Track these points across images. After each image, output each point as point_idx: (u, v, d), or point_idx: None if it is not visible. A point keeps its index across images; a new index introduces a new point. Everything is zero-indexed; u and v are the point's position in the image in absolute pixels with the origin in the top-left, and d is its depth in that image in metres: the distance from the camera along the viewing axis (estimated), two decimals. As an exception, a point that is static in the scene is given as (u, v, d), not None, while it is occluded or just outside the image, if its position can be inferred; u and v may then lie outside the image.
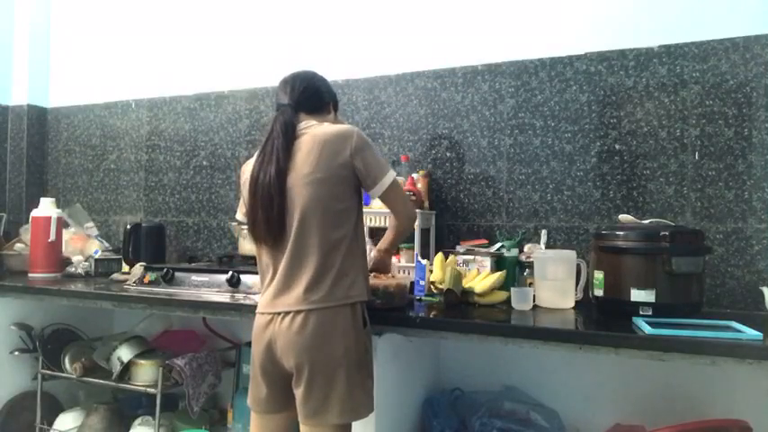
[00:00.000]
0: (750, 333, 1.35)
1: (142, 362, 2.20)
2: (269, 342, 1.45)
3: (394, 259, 1.85)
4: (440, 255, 1.97)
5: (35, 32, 3.20)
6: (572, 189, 2.10)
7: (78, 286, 2.23)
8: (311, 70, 1.67)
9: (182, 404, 2.37)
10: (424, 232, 2.17)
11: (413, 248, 2.09)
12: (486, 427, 1.82)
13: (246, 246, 2.33)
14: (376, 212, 2.10)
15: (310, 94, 1.59)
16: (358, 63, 2.48)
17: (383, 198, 1.54)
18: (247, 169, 1.57)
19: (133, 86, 3.01)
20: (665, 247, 1.58)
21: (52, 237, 2.49)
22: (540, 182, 2.15)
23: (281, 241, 1.46)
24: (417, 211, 2.00)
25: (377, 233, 2.13)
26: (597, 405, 1.95)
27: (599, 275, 1.69)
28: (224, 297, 1.93)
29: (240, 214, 1.65)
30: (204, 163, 2.81)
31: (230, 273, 2.01)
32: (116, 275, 2.42)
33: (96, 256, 2.56)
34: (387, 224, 2.08)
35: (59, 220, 2.54)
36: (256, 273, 1.63)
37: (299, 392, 1.43)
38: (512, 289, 1.81)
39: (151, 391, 2.11)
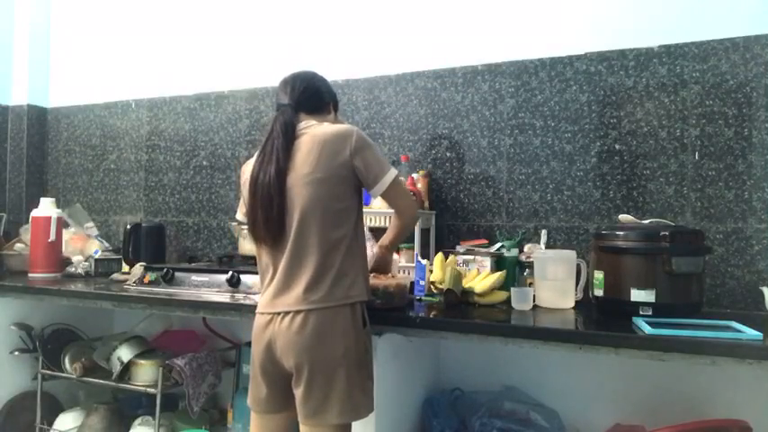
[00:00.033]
0: (750, 333, 1.35)
1: (142, 362, 2.20)
2: (269, 342, 1.45)
3: (394, 257, 1.84)
4: (440, 255, 1.97)
5: (35, 32, 3.20)
6: (572, 189, 2.10)
7: (78, 286, 2.23)
8: (311, 70, 1.67)
9: (182, 404, 2.37)
10: (424, 232, 2.17)
11: (413, 248, 2.09)
12: (486, 427, 1.82)
13: (246, 246, 2.33)
14: (376, 212, 2.10)
15: (310, 95, 1.59)
16: (358, 63, 2.48)
17: (385, 196, 1.55)
18: (247, 169, 1.57)
19: (133, 86, 3.02)
20: (665, 247, 1.58)
21: (52, 237, 2.49)
22: (540, 182, 2.15)
23: (281, 241, 1.46)
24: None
25: (377, 233, 2.14)
26: (597, 405, 1.95)
27: (599, 275, 1.69)
28: (224, 297, 1.93)
29: (240, 214, 1.65)
30: (204, 163, 2.81)
31: (230, 273, 2.01)
32: (116, 275, 2.42)
33: (96, 256, 2.56)
34: (387, 224, 2.08)
35: (59, 220, 2.54)
36: (256, 273, 1.63)
37: (298, 392, 1.43)
38: (512, 289, 1.81)
39: (151, 391, 2.11)
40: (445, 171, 2.30)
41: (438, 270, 1.89)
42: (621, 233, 1.67)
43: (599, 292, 1.69)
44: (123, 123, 3.04)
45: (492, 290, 1.82)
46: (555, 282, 1.80)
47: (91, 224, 2.88)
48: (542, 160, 2.15)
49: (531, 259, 1.89)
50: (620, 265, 1.64)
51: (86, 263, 2.55)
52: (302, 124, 1.52)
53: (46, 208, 2.55)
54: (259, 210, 1.46)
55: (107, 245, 2.78)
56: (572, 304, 1.80)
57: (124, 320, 2.67)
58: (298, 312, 1.41)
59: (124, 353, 2.21)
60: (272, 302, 1.46)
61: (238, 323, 2.28)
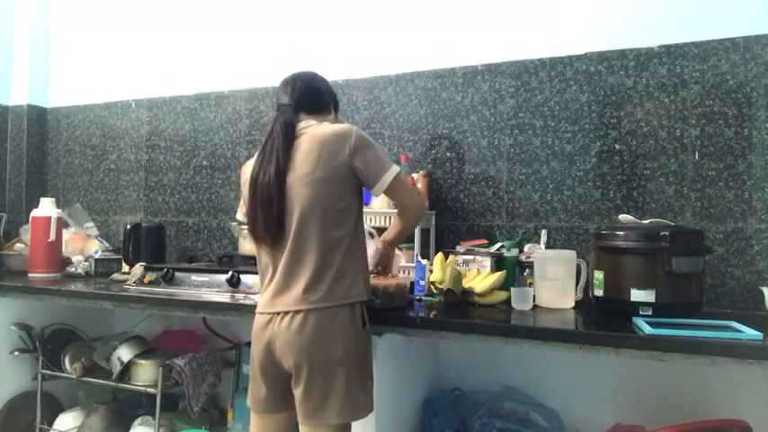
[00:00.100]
0: (750, 333, 1.35)
1: (142, 362, 2.20)
2: (268, 342, 1.45)
3: (396, 253, 1.83)
4: (440, 255, 1.96)
5: (35, 32, 3.20)
6: (572, 189, 2.10)
7: (78, 286, 2.23)
8: (312, 71, 1.67)
9: (182, 404, 2.37)
10: (424, 232, 2.17)
11: (413, 248, 2.09)
12: (486, 427, 1.82)
13: (246, 246, 2.33)
14: (376, 212, 2.11)
15: (311, 95, 1.59)
16: (358, 63, 2.48)
17: (388, 194, 1.54)
18: (247, 169, 1.57)
19: (133, 86, 3.02)
20: (665, 247, 1.58)
21: (52, 237, 2.49)
22: (540, 182, 2.15)
23: (281, 241, 1.46)
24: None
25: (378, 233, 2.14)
26: (597, 405, 1.95)
27: (599, 275, 1.69)
28: (224, 297, 1.93)
29: (240, 214, 1.65)
30: (204, 163, 2.81)
31: (230, 273, 2.01)
32: (116, 275, 2.42)
33: (96, 256, 2.56)
34: (386, 223, 2.08)
35: (59, 220, 2.54)
36: (256, 273, 1.63)
37: (298, 392, 1.43)
38: (512, 289, 1.81)
39: (151, 391, 2.12)
40: (445, 171, 2.30)
41: (438, 270, 1.89)
42: (621, 233, 1.67)
43: (599, 292, 1.69)
44: (123, 123, 3.04)
45: (492, 290, 1.82)
46: (555, 282, 1.80)
47: (91, 224, 2.88)
48: (542, 160, 2.15)
49: (531, 259, 1.89)
50: (620, 265, 1.64)
51: (86, 263, 2.55)
52: (302, 124, 1.52)
53: (46, 208, 2.55)
54: (259, 210, 1.46)
55: (107, 245, 2.78)
56: (572, 304, 1.80)
57: (124, 320, 2.67)
58: (297, 312, 1.41)
59: (124, 353, 2.21)
60: (272, 302, 1.46)
61: (238, 323, 2.28)
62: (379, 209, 2.11)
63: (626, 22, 2.05)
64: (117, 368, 2.20)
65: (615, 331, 1.45)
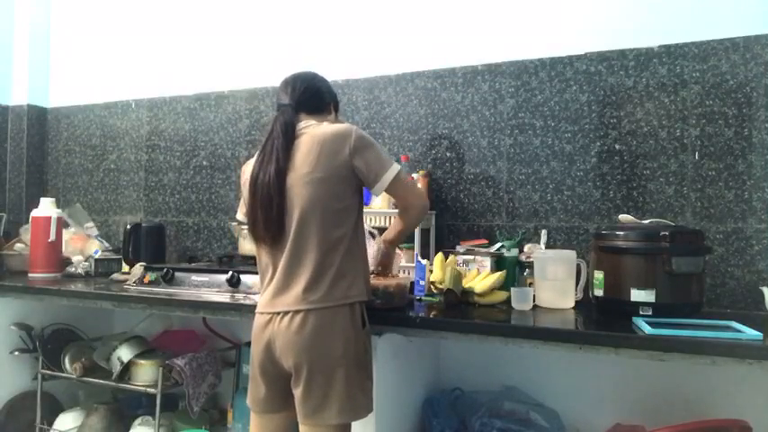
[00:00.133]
0: (750, 333, 1.35)
1: (142, 362, 2.20)
2: (268, 342, 1.45)
3: (396, 252, 1.83)
4: (440, 255, 1.96)
5: (35, 32, 3.20)
6: (572, 189, 2.10)
7: (78, 286, 2.23)
8: (312, 71, 1.67)
9: (182, 404, 2.37)
10: (424, 232, 2.17)
11: (413, 248, 2.09)
12: (486, 427, 1.82)
13: (246, 246, 2.33)
14: (376, 212, 2.11)
15: (311, 95, 1.59)
16: (358, 63, 2.48)
17: (389, 193, 1.54)
18: (248, 169, 1.57)
19: (133, 86, 3.02)
20: (665, 247, 1.57)
21: (52, 237, 2.49)
22: (540, 182, 2.15)
23: (281, 241, 1.46)
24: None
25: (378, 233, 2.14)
26: (597, 405, 1.95)
27: (599, 275, 1.69)
28: (224, 297, 1.93)
29: (240, 214, 1.65)
30: (204, 163, 2.81)
31: (230, 273, 2.01)
32: (116, 275, 2.42)
33: (96, 256, 2.56)
34: (386, 223, 2.08)
35: (59, 220, 2.54)
36: (256, 273, 1.63)
37: (297, 392, 1.43)
38: (512, 289, 1.81)
39: (151, 391, 2.12)
40: (445, 171, 2.30)
41: (438, 270, 1.88)
42: (621, 233, 1.67)
43: (599, 292, 1.69)
44: (123, 123, 3.04)
45: (492, 290, 1.82)
46: (555, 282, 1.80)
47: (91, 224, 2.88)
48: (542, 160, 2.15)
49: (531, 259, 1.89)
50: (620, 265, 1.64)
51: (86, 263, 2.55)
52: (302, 124, 1.52)
53: (46, 208, 2.55)
54: (259, 209, 1.46)
55: (107, 245, 2.78)
56: (572, 304, 1.80)
57: (124, 320, 2.67)
58: (297, 312, 1.41)
59: (124, 353, 2.21)
60: (272, 302, 1.46)
61: (238, 323, 2.28)
62: (379, 209, 2.11)
63: (626, 22, 2.05)
64: (117, 368, 2.20)
65: (615, 331, 1.45)
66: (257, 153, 1.52)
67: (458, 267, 1.92)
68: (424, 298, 1.88)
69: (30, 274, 2.47)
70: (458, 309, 1.77)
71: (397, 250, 1.84)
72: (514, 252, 1.98)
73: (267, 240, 1.48)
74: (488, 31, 2.26)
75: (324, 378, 1.41)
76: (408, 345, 1.82)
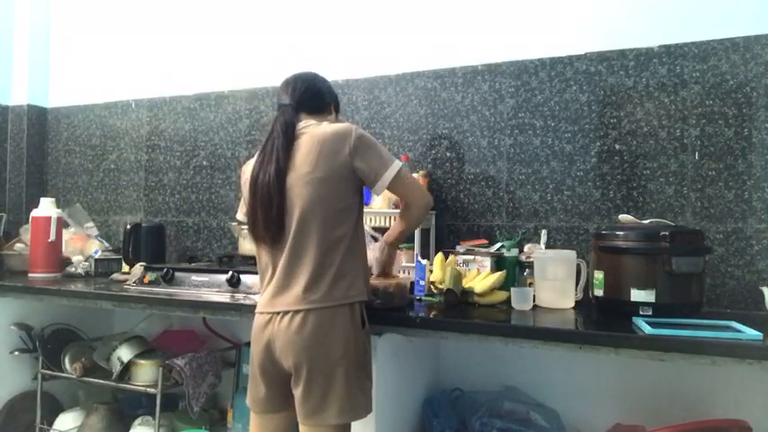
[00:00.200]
0: (750, 333, 1.35)
1: (142, 362, 2.20)
2: (268, 342, 1.45)
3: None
4: (440, 255, 1.97)
5: (35, 32, 3.20)
6: (572, 189, 2.10)
7: (78, 286, 2.23)
8: (313, 71, 1.67)
9: (182, 404, 2.37)
10: (424, 232, 2.17)
11: (413, 248, 2.09)
12: (486, 427, 1.82)
13: (246, 246, 2.33)
14: (376, 212, 2.10)
15: (311, 95, 1.59)
16: (358, 63, 2.48)
17: (392, 190, 1.54)
18: (248, 169, 1.57)
19: (133, 86, 3.02)
20: (665, 247, 1.57)
21: (52, 237, 2.49)
22: (540, 182, 2.15)
23: (281, 241, 1.46)
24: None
25: (377, 233, 2.14)
26: (597, 405, 1.95)
27: (599, 275, 1.69)
28: (224, 297, 1.93)
29: (241, 214, 1.65)
30: (204, 163, 2.81)
31: (230, 273, 2.01)
32: (116, 275, 2.42)
33: (96, 256, 2.56)
34: (385, 223, 2.08)
35: (59, 220, 2.54)
36: (256, 273, 1.63)
37: (297, 392, 1.43)
38: (512, 289, 1.81)
39: (151, 391, 2.11)
40: (445, 171, 2.30)
41: (438, 270, 1.89)
42: (621, 233, 1.67)
43: (599, 292, 1.69)
44: (123, 123, 3.04)
45: (492, 290, 1.82)
46: (555, 282, 1.80)
47: (91, 224, 2.88)
48: (542, 160, 2.15)
49: (531, 259, 1.89)
50: (620, 265, 1.64)
51: (86, 263, 2.55)
52: (302, 124, 1.52)
53: (46, 208, 2.55)
54: (259, 209, 1.46)
55: (107, 245, 2.78)
56: (572, 304, 1.80)
57: (124, 320, 2.67)
58: (297, 312, 1.41)
59: (124, 353, 2.21)
60: (272, 302, 1.46)
61: (238, 323, 2.28)
62: (378, 209, 2.11)
63: (626, 22, 2.05)
64: (117, 368, 2.19)
65: (615, 331, 1.45)
66: (257, 153, 1.52)
67: (458, 267, 1.92)
68: (424, 298, 1.88)
69: (30, 274, 2.47)
70: (458, 309, 1.77)
71: (397, 251, 1.83)
72: (514, 252, 1.98)
73: (267, 240, 1.48)
74: (488, 31, 2.26)
75: (324, 378, 1.41)
76: (408, 345, 1.82)
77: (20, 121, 3.16)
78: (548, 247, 2.01)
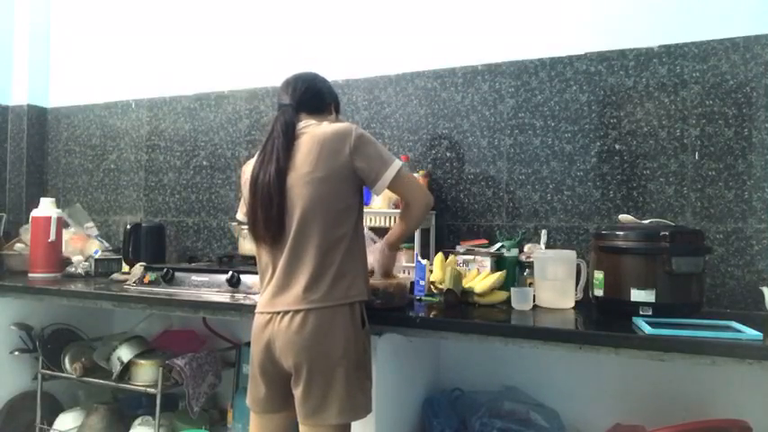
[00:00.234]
0: (750, 333, 1.35)
1: (142, 362, 2.20)
2: (268, 342, 1.45)
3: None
4: (440, 255, 1.97)
5: (35, 32, 3.20)
6: (572, 189, 2.10)
7: (78, 286, 2.23)
8: (313, 72, 1.68)
9: (182, 404, 2.37)
10: (424, 232, 2.17)
11: (413, 248, 2.09)
12: (486, 427, 1.82)
13: (246, 246, 2.33)
14: (376, 212, 2.10)
15: (312, 95, 1.59)
16: (358, 63, 2.48)
17: (393, 190, 1.53)
18: (248, 169, 1.57)
19: (133, 86, 3.02)
20: (665, 247, 1.57)
21: (52, 237, 2.49)
22: (540, 182, 2.15)
23: (281, 241, 1.46)
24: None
25: (377, 233, 2.14)
26: (597, 405, 1.95)
27: (599, 275, 1.69)
28: (224, 297, 1.93)
29: (240, 214, 1.65)
30: (204, 163, 2.81)
31: (230, 273, 2.01)
32: (116, 275, 2.42)
33: (96, 256, 2.56)
34: (385, 223, 2.08)
35: (59, 220, 2.54)
36: (256, 273, 1.63)
37: (297, 392, 1.43)
38: (512, 289, 1.81)
39: (151, 391, 2.12)
40: (445, 171, 2.30)
41: (438, 270, 1.89)
42: (621, 233, 1.67)
43: (599, 292, 1.69)
44: (123, 123, 3.04)
45: (492, 290, 1.82)
46: (555, 282, 1.80)
47: (91, 224, 2.88)
48: (542, 160, 2.15)
49: (531, 259, 1.89)
50: (620, 265, 1.64)
51: (86, 263, 2.55)
52: (302, 124, 1.52)
53: (46, 208, 2.55)
54: (259, 209, 1.46)
55: (107, 245, 2.78)
56: (572, 304, 1.80)
57: (124, 320, 2.67)
58: (297, 312, 1.41)
59: (124, 353, 2.21)
60: (272, 302, 1.46)
61: (238, 323, 2.28)
62: (378, 209, 2.11)
63: (626, 22, 2.05)
64: (117, 368, 2.19)
65: (615, 331, 1.45)
66: (257, 153, 1.52)
67: (458, 267, 1.92)
68: (424, 298, 1.88)
69: (30, 274, 2.47)
70: (458, 309, 1.77)
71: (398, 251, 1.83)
72: (514, 252, 1.98)
73: (267, 240, 1.48)
74: (488, 31, 2.26)
75: (324, 378, 1.41)
76: (408, 345, 1.82)
77: (20, 121, 3.16)
78: (548, 247, 2.01)
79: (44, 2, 3.25)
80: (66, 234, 2.65)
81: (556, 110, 2.14)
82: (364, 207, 1.61)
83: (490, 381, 2.09)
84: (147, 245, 2.54)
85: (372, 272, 1.65)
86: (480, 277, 1.87)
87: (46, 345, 2.35)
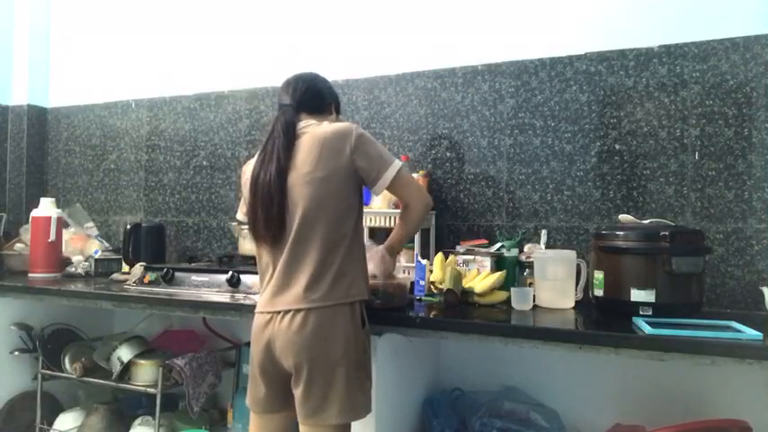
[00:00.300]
0: (750, 333, 1.35)
1: (142, 362, 2.20)
2: (268, 341, 1.45)
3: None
4: (440, 255, 1.97)
5: (35, 32, 3.20)
6: (572, 189, 2.10)
7: (78, 286, 2.23)
8: (313, 72, 1.68)
9: (182, 404, 2.37)
10: (424, 232, 2.17)
11: (413, 248, 2.09)
12: (486, 427, 1.82)
13: (246, 246, 2.33)
14: (376, 212, 2.10)
15: (312, 95, 1.60)
16: (358, 63, 2.48)
17: (392, 190, 1.53)
18: (248, 169, 1.57)
19: (133, 86, 3.01)
20: (665, 247, 1.57)
21: (52, 237, 2.49)
22: (540, 182, 2.15)
23: (281, 240, 1.46)
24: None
25: (377, 233, 2.14)
26: (597, 405, 1.95)
27: (599, 275, 1.69)
28: (224, 297, 1.93)
29: (241, 214, 1.65)
30: (204, 163, 2.81)
31: (230, 273, 2.01)
32: (116, 275, 2.42)
33: (96, 256, 2.56)
34: (385, 223, 2.08)
35: (59, 220, 2.54)
36: (256, 273, 1.63)
37: (298, 392, 1.43)
38: (512, 289, 1.81)
39: (151, 391, 2.11)
40: (445, 171, 2.30)
41: (438, 270, 1.88)
42: (621, 233, 1.67)
43: (599, 292, 1.69)
44: (123, 123, 3.04)
45: (492, 290, 1.82)
46: (555, 282, 1.80)
47: (91, 224, 2.88)
48: (542, 160, 2.15)
49: (531, 259, 1.89)
50: (620, 265, 1.64)
51: (86, 263, 2.55)
52: (302, 124, 1.53)
53: (46, 208, 2.55)
54: (259, 209, 1.46)
55: (107, 245, 2.78)
56: (572, 304, 1.80)
57: (124, 320, 2.67)
58: (298, 311, 1.41)
59: (124, 353, 2.21)
60: (272, 301, 1.46)
61: (238, 323, 2.28)
62: (378, 209, 2.11)
63: (626, 22, 2.05)
64: (117, 368, 2.19)
65: (615, 331, 1.45)
66: (258, 153, 1.53)
67: (458, 267, 1.92)
68: (424, 298, 1.88)
69: (30, 274, 2.47)
70: (458, 309, 1.77)
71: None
72: (514, 252, 1.98)
73: (268, 239, 1.48)
74: (488, 31, 2.26)
75: (324, 378, 1.41)
76: (408, 345, 1.82)
77: (20, 121, 3.16)
78: (548, 247, 2.01)
79: (44, 2, 3.25)
80: (66, 234, 2.66)
81: (556, 110, 2.14)
82: (364, 207, 1.61)
83: (490, 381, 2.09)
84: (147, 245, 2.54)
85: (375, 277, 1.64)
86: (480, 277, 1.87)
87: (46, 345, 2.35)
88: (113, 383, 2.20)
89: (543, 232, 2.04)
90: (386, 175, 1.48)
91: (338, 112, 1.71)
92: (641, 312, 1.57)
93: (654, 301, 1.57)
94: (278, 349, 1.43)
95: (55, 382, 2.39)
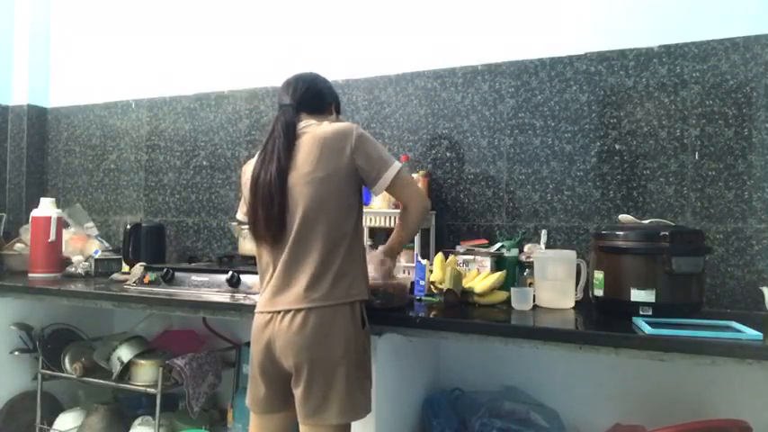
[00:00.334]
0: (750, 333, 1.35)
1: (142, 362, 2.20)
2: (268, 341, 1.45)
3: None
4: (440, 255, 1.97)
5: (35, 32, 3.20)
6: (572, 189, 2.10)
7: (78, 286, 2.23)
8: (314, 72, 1.68)
9: (182, 404, 2.37)
10: (424, 232, 2.17)
11: (413, 248, 2.09)
12: (486, 427, 1.82)
13: (246, 246, 2.33)
14: (376, 212, 2.10)
15: (312, 95, 1.60)
16: (358, 63, 2.48)
17: (391, 191, 1.54)
18: (248, 169, 1.57)
19: (133, 86, 3.01)
20: (665, 247, 1.57)
21: (52, 237, 2.49)
22: (540, 182, 2.15)
23: (282, 240, 1.46)
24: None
25: (377, 233, 2.14)
26: (597, 405, 1.95)
27: (599, 275, 1.69)
28: (224, 297, 1.93)
29: (241, 214, 1.65)
30: (204, 163, 2.81)
31: (230, 273, 2.01)
32: (116, 275, 2.42)
33: (96, 256, 2.56)
34: (385, 223, 2.08)
35: (59, 220, 2.54)
36: (256, 273, 1.63)
37: (298, 392, 1.43)
38: (512, 289, 1.81)
39: (151, 391, 2.11)
40: (445, 171, 2.30)
41: (438, 270, 1.88)
42: (621, 233, 1.67)
43: (599, 292, 1.69)
44: (123, 123, 3.04)
45: (492, 290, 1.82)
46: (555, 282, 1.80)
47: (91, 224, 2.88)
48: (542, 160, 2.15)
49: (531, 259, 1.89)
50: (620, 265, 1.64)
51: (86, 263, 2.55)
52: (302, 124, 1.53)
53: (46, 208, 2.55)
54: (260, 208, 1.46)
55: (107, 245, 2.78)
56: (572, 304, 1.80)
57: (124, 320, 2.67)
58: (298, 311, 1.41)
59: (124, 353, 2.21)
60: (272, 301, 1.46)
61: (238, 323, 2.28)
62: (378, 209, 2.11)
63: (626, 22, 2.05)
64: (117, 368, 2.19)
65: (615, 331, 1.45)
66: (258, 153, 1.53)
67: (458, 267, 1.92)
68: (424, 298, 1.88)
69: (30, 274, 2.47)
70: (458, 309, 1.77)
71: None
72: (514, 252, 1.98)
73: (268, 239, 1.48)
74: (488, 31, 2.26)
75: (324, 378, 1.41)
76: (408, 345, 1.82)
77: (20, 121, 3.16)
78: (548, 247, 2.01)
79: (44, 2, 3.25)
80: (66, 234, 2.66)
81: (556, 110, 2.14)
82: (364, 207, 1.61)
83: (490, 381, 2.09)
84: (147, 245, 2.54)
85: (374, 279, 1.64)
86: (480, 277, 1.87)
87: (46, 345, 2.35)
88: (113, 383, 2.20)
89: (543, 232, 2.04)
90: (386, 176, 1.48)
91: (338, 112, 1.72)
92: (641, 312, 1.57)
93: (654, 301, 1.57)
94: (278, 349, 1.43)
95: (55, 382, 2.39)
